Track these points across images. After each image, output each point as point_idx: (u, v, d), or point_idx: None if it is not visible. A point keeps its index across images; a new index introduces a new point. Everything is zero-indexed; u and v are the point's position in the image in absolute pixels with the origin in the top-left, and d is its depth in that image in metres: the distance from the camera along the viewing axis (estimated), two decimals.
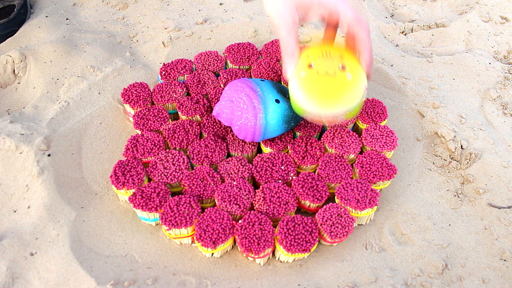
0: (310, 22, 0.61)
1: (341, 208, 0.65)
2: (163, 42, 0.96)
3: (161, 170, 0.68)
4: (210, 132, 0.75)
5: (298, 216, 0.64)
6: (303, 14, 0.61)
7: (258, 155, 0.71)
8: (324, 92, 0.63)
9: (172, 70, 0.83)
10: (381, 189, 0.74)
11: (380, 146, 0.73)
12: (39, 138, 0.75)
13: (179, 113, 0.77)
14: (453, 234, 0.70)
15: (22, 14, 0.95)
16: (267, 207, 0.65)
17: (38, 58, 0.88)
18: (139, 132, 0.75)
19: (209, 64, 0.85)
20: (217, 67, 0.85)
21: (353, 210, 0.66)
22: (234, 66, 0.86)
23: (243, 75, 0.84)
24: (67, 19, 0.98)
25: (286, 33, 0.60)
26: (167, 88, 0.80)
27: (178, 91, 0.80)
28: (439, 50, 1.00)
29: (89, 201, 0.71)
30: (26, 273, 0.62)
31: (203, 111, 0.77)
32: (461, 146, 0.79)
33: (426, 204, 0.73)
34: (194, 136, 0.74)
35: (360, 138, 0.74)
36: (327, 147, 0.73)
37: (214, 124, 0.75)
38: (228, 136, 0.74)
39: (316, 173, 0.70)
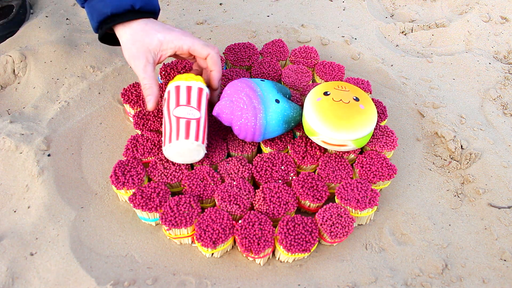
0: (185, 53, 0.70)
1: (341, 208, 0.65)
2: None
3: (161, 170, 0.68)
4: (210, 132, 0.75)
5: (298, 216, 0.64)
6: (155, 53, 0.68)
7: (258, 155, 0.71)
8: (338, 116, 0.67)
9: (172, 70, 0.83)
10: (381, 189, 0.74)
11: (380, 146, 0.73)
12: (39, 138, 0.75)
13: None
14: (453, 234, 0.70)
15: (21, 14, 0.95)
16: (267, 207, 0.65)
17: (38, 58, 0.88)
18: (139, 132, 0.75)
19: None
20: None
21: (353, 210, 0.66)
22: (234, 66, 0.86)
23: (243, 75, 0.83)
24: (67, 19, 0.98)
25: (142, 71, 0.67)
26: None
27: None
28: (439, 50, 1.00)
29: (89, 201, 0.71)
30: (26, 273, 0.62)
31: None
32: (461, 146, 0.79)
33: (426, 204, 0.73)
34: None
35: None
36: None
37: (214, 124, 0.75)
38: (228, 136, 0.74)
39: (316, 173, 0.70)
